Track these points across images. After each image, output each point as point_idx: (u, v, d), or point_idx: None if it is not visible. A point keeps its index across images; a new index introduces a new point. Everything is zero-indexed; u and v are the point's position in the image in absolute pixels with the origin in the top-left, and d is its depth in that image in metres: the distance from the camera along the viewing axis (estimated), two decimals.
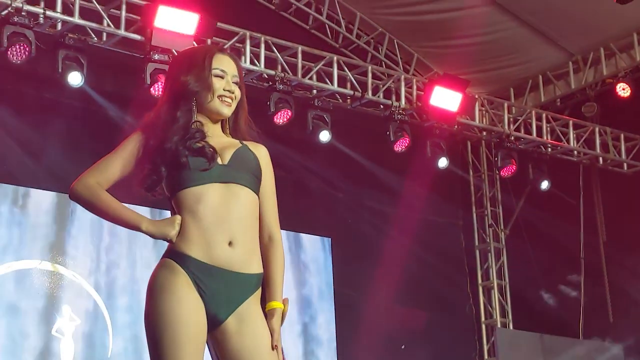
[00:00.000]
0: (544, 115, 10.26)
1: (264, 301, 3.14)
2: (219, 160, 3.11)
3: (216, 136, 3.20)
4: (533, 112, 10.21)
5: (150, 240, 7.97)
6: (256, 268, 3.11)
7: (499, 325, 10.35)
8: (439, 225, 10.40)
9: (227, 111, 3.20)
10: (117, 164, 3.14)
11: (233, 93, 3.19)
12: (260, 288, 3.13)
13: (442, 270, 10.20)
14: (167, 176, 3.10)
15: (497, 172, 10.36)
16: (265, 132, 3.39)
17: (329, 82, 9.04)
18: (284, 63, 8.79)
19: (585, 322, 10.22)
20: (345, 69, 9.21)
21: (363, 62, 9.67)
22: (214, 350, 3.09)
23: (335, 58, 9.11)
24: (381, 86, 9.40)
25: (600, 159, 10.51)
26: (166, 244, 3.10)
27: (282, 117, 8.54)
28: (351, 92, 9.19)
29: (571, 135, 10.31)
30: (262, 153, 3.24)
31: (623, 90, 9.83)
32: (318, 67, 9.00)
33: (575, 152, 10.46)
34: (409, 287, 9.82)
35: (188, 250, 3.03)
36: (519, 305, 10.61)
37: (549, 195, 10.20)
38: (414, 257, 9.89)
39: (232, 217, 3.06)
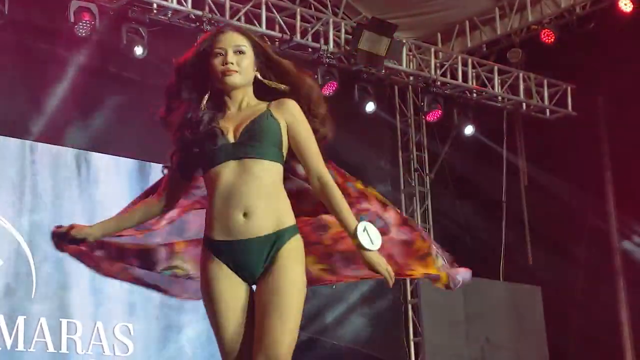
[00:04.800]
0: (469, 60, 10.34)
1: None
2: (229, 138, 3.19)
3: (244, 108, 3.27)
4: (459, 58, 10.28)
5: (75, 189, 8.00)
6: (272, 227, 3.15)
7: None
8: (366, 170, 10.44)
9: (234, 80, 3.24)
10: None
11: (233, 63, 3.23)
12: (292, 240, 3.17)
13: None
14: (193, 162, 3.27)
15: (423, 117, 10.43)
16: None
17: (257, 24, 8.97)
18: (211, 4, 8.70)
19: (505, 264, 10.45)
20: (274, 10, 9.14)
21: (292, 4, 9.60)
22: None
23: (263, 0, 9.04)
24: (310, 29, 9.36)
25: (524, 104, 10.66)
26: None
27: None
28: (280, 35, 9.15)
29: (496, 81, 10.42)
30: (287, 108, 3.26)
31: (547, 36, 9.95)
32: (246, 8, 8.91)
33: (500, 98, 10.58)
34: None
35: (211, 234, 3.20)
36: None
37: (474, 140, 10.33)
38: None
39: (245, 190, 3.14)
